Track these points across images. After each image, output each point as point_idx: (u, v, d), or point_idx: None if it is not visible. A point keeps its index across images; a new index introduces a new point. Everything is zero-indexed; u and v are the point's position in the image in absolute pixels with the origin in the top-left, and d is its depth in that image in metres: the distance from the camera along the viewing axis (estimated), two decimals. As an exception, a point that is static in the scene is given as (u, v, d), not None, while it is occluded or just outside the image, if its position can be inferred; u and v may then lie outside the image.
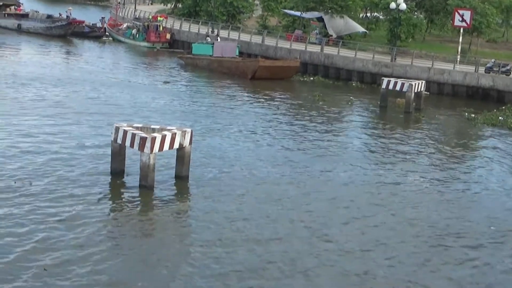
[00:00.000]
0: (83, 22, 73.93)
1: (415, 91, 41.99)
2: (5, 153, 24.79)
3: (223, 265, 16.70)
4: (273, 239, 18.72)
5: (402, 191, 24.44)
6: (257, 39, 61.86)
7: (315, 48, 57.65)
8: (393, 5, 56.15)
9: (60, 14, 76.63)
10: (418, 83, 42.68)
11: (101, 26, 75.36)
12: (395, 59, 54.02)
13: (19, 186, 21.20)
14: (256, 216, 20.37)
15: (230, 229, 19.17)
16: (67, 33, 71.01)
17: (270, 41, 60.53)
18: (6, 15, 76.28)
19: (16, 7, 78.78)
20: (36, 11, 79.77)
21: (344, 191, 23.86)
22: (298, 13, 66.91)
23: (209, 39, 60.01)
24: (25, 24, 74.16)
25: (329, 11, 64.19)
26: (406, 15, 59.80)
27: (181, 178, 23.04)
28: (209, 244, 17.91)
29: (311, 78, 54.29)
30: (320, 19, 65.85)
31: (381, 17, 73.09)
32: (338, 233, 19.53)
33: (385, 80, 43.20)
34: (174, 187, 22.68)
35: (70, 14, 75.64)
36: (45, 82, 41.73)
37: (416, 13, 67.85)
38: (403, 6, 55.48)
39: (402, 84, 41.97)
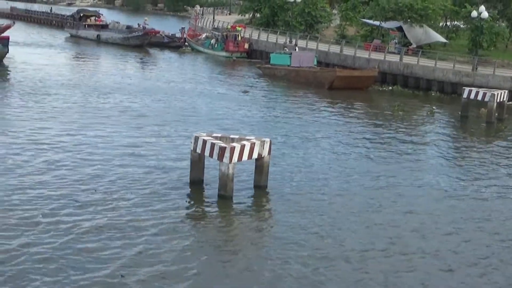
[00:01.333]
0: (158, 32, 75.24)
1: (498, 101, 41.06)
2: (89, 163, 25.32)
3: (306, 278, 16.57)
4: (358, 252, 18.42)
5: (488, 204, 23.81)
6: (335, 48, 61.53)
7: (394, 58, 56.97)
8: (474, 13, 55.12)
9: (139, 25, 78.12)
10: (501, 93, 41.72)
11: (180, 36, 76.31)
12: (476, 68, 52.90)
13: (101, 197, 21.56)
14: (336, 228, 20.14)
15: (309, 241, 18.99)
16: (143, 43, 72.36)
17: (348, 51, 60.12)
18: (86, 26, 78.37)
19: (96, 18, 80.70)
20: (117, 22, 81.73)
21: (430, 204, 23.34)
22: (377, 23, 66.30)
23: (287, 49, 60.03)
24: (104, 34, 76.06)
25: (408, 20, 63.38)
26: (488, 24, 58.54)
27: (259, 188, 23.03)
28: (289, 256, 17.76)
29: (390, 88, 53.72)
30: (399, 29, 65.05)
31: (461, 26, 71.79)
32: (430, 249, 19.01)
33: (466, 90, 42.37)
34: (253, 197, 22.67)
35: (147, 25, 77.00)
36: (124, 92, 42.54)
37: (498, 21, 66.39)
38: (485, 14, 54.38)
39: (484, 94, 41.08)
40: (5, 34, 54.47)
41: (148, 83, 48.12)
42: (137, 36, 73.18)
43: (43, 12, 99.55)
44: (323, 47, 62.16)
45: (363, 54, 58.83)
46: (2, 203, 20.21)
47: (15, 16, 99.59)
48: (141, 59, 64.18)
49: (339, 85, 49.80)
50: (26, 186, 22.03)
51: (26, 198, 20.79)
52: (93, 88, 43.10)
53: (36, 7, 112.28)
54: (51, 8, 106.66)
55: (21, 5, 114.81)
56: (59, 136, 29.24)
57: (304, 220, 20.56)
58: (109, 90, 42.72)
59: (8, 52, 53.55)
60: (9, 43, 54.13)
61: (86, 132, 30.46)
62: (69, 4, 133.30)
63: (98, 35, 76.29)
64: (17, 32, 76.04)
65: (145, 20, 79.72)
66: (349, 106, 43.58)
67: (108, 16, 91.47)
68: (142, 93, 42.77)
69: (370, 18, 68.44)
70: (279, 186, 23.78)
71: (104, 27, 78.65)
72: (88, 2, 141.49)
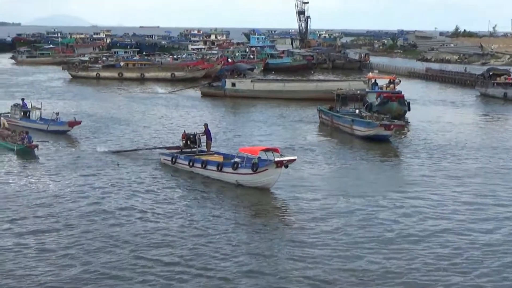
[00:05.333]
0: None
1: None
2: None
3: None
4: None
5: None
6: None
7: None
8: None
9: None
10: None
11: None
12: None
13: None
14: None
15: None
16: None
17: None
18: (495, 84, 78.41)
19: (506, 76, 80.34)
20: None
21: None
22: None
23: None
24: (510, 92, 75.66)
25: None
26: None
27: None
28: None
29: None
30: None
31: None
32: None
33: None
34: None
35: None
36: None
37: None
38: None
39: None
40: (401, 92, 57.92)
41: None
42: None
43: (456, 72, 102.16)
44: None
45: None
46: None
47: (429, 76, 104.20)
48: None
49: None
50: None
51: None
52: (496, 149, 44.08)
53: (450, 67, 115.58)
54: (466, 68, 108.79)
55: (435, 66, 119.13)
56: (466, 202, 30.90)
57: None
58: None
59: (408, 110, 56.80)
60: (411, 101, 57.83)
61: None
62: (483, 64, 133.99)
63: (505, 93, 76.21)
64: (430, 92, 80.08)
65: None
66: None
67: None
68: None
69: None
70: None
71: (514, 84, 78.16)
72: (503, 61, 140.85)
